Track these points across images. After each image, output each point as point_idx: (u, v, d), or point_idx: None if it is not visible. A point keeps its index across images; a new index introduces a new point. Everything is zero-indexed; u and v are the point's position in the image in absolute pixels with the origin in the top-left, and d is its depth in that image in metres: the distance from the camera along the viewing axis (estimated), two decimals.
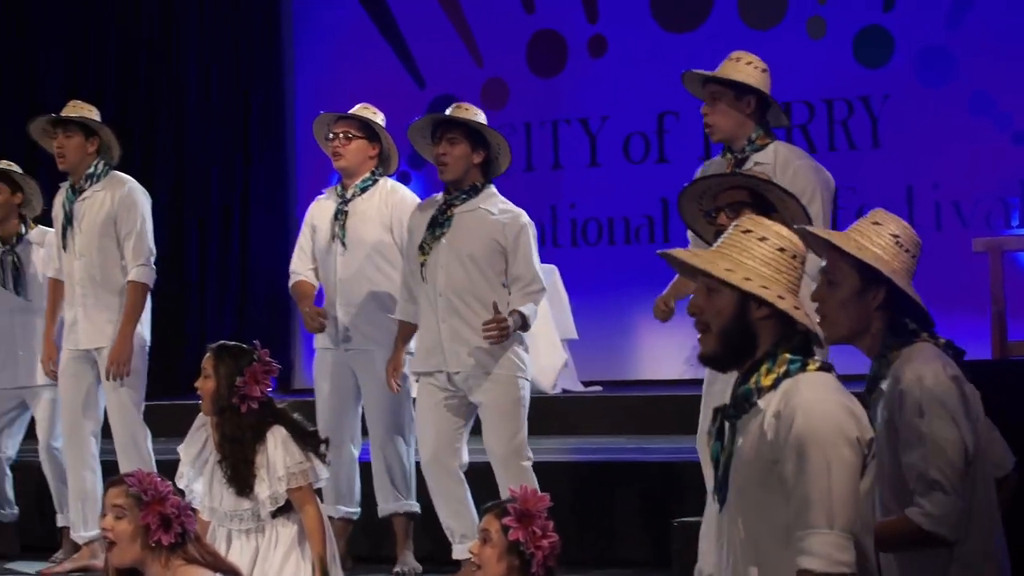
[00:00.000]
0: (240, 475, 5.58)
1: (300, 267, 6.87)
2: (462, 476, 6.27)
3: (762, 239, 3.35)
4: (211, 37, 11.78)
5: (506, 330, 6.03)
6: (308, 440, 5.66)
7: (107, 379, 6.84)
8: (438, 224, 6.24)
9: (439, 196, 6.43)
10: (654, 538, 6.56)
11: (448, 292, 6.20)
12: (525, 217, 6.31)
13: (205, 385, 5.65)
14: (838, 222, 5.20)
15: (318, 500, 5.69)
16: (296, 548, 5.77)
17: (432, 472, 6.27)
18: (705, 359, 3.43)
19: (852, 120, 10.20)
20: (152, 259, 6.95)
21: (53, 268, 7.16)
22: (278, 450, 5.56)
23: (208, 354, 5.71)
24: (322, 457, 5.66)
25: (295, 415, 5.74)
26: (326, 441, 5.66)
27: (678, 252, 3.55)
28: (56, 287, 7.11)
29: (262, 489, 5.61)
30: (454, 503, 6.22)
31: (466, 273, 6.19)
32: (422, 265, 6.24)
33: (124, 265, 6.94)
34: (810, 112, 10.14)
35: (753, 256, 3.34)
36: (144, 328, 7.00)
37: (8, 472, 7.54)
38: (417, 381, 6.39)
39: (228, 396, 5.56)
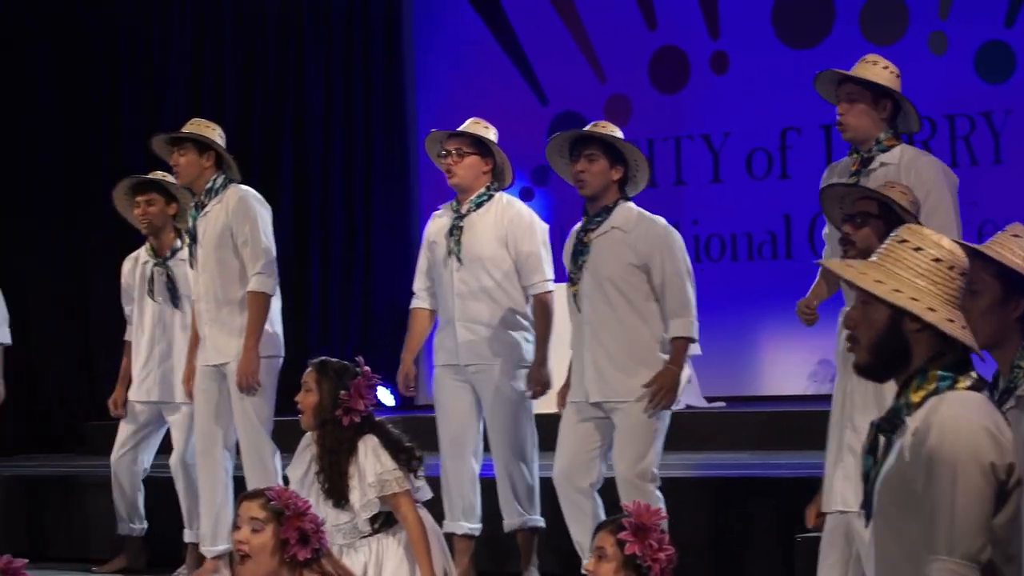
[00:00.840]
0: (336, 486, 5.69)
1: (418, 287, 6.91)
2: (594, 494, 6.23)
3: (917, 249, 3.25)
4: (331, 58, 11.85)
5: (662, 392, 6.07)
6: (401, 451, 5.74)
7: (235, 394, 6.86)
8: (579, 253, 6.21)
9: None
10: (779, 554, 6.48)
11: (593, 320, 6.16)
12: (661, 227, 6.22)
13: (307, 399, 5.79)
14: (961, 237, 5.14)
15: (418, 510, 5.73)
16: (405, 562, 5.80)
17: (563, 489, 6.24)
18: (859, 370, 3.35)
19: (974, 136, 10.07)
20: (272, 267, 6.91)
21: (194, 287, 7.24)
22: (368, 458, 5.67)
23: (310, 369, 5.85)
24: (414, 471, 5.73)
25: (393, 429, 5.82)
26: (419, 458, 5.74)
27: (832, 264, 3.50)
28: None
29: (356, 498, 5.68)
30: (584, 519, 6.18)
31: (607, 300, 6.15)
32: (574, 296, 6.23)
33: (240, 279, 6.92)
34: (932, 128, 10.00)
35: (907, 267, 3.24)
36: (274, 343, 6.98)
37: (141, 487, 7.66)
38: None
39: (331, 409, 5.71)
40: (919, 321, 3.21)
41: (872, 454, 3.33)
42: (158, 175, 7.55)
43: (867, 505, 3.32)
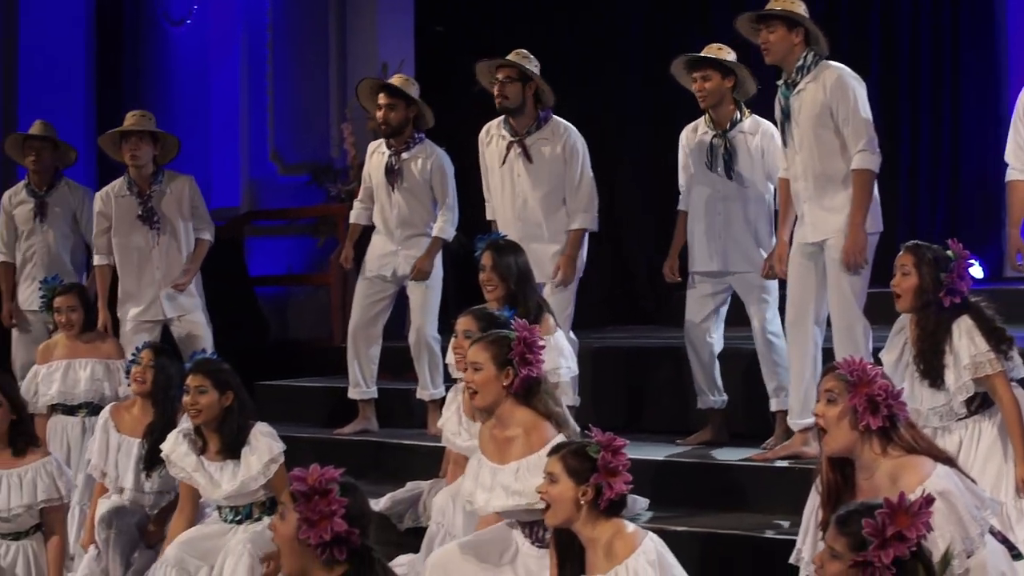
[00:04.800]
0: (932, 368, 5.68)
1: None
2: None
3: None
4: None
5: None
6: (993, 332, 5.63)
7: (833, 269, 6.82)
8: None
9: None
10: None
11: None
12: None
13: (905, 283, 5.77)
14: None
15: (1013, 390, 5.60)
16: (999, 443, 5.69)
17: None
18: None
19: None
20: (874, 143, 6.80)
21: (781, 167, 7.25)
22: (962, 340, 5.62)
23: (905, 252, 5.79)
24: (1004, 353, 5.59)
25: (986, 309, 5.72)
26: (1010, 339, 5.60)
27: None
28: (784, 184, 7.19)
29: (951, 380, 5.61)
30: None
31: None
32: None
33: (841, 155, 6.85)
34: None
35: None
36: (875, 218, 6.89)
37: (716, 361, 7.77)
38: None
39: (933, 291, 5.67)
40: None
41: None
42: (713, 47, 7.60)
43: None
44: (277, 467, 6.48)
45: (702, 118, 7.79)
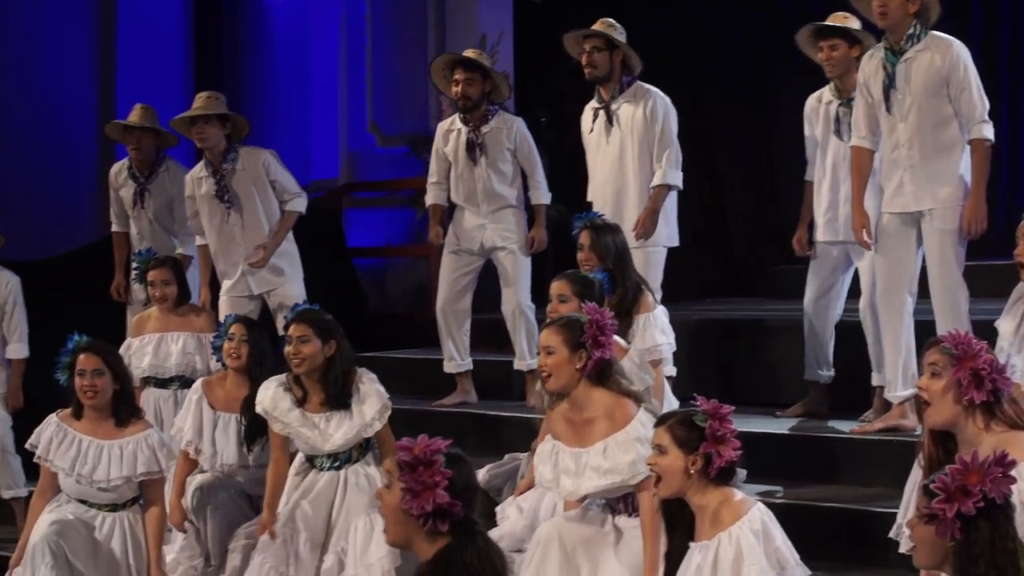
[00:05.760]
0: None
1: None
2: None
3: None
4: None
5: None
6: None
7: (936, 237, 6.80)
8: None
9: None
10: None
11: None
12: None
13: None
14: None
15: None
16: None
17: None
18: None
19: None
20: (985, 114, 6.81)
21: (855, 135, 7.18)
22: None
23: None
24: None
25: None
26: None
27: None
28: (858, 152, 7.13)
29: None
30: None
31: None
32: None
33: (950, 125, 6.83)
34: None
35: None
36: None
37: (833, 333, 7.72)
38: None
39: None
40: None
41: None
42: (838, 16, 7.52)
43: None
44: (389, 413, 6.49)
45: (826, 87, 7.73)
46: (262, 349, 7.16)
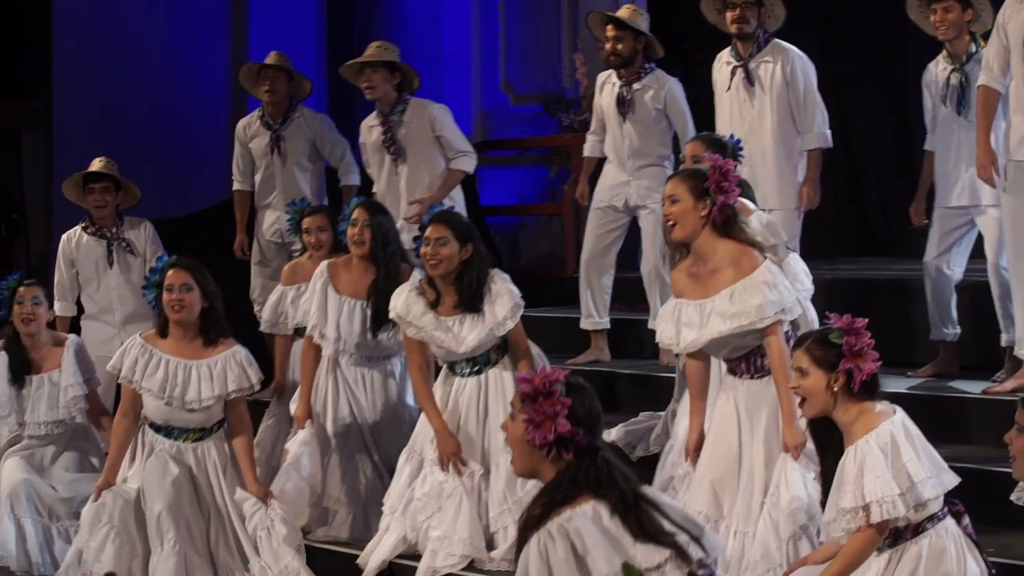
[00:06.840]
0: None
1: None
2: None
3: None
4: None
5: None
6: None
7: None
8: None
9: None
10: None
11: None
12: None
13: None
14: None
15: None
16: None
17: None
18: None
19: None
20: None
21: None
22: None
23: None
24: None
25: None
26: None
27: None
28: (984, 91, 7.11)
29: None
30: None
31: None
32: None
33: None
34: None
35: None
36: None
37: (954, 292, 7.70)
38: None
39: None
40: None
41: None
42: None
43: None
44: (521, 312, 6.45)
45: (941, 54, 7.71)
46: (386, 232, 7.17)
